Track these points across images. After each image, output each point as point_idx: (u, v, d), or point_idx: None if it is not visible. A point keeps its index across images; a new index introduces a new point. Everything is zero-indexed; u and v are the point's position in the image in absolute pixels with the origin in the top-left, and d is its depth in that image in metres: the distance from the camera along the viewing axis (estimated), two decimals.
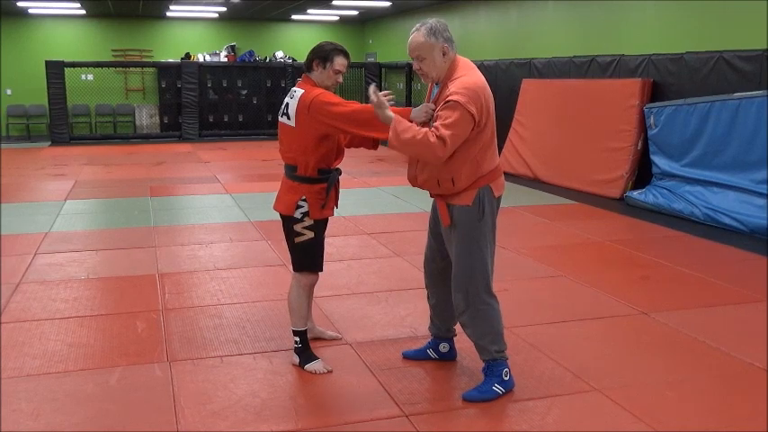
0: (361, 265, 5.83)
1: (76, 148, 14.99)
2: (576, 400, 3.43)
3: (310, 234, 3.67)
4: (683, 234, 6.99)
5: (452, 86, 3.22)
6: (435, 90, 3.42)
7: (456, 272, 3.41)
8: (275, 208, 3.74)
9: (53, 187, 9.82)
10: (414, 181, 3.50)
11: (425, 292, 3.80)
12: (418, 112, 3.38)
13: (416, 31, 3.29)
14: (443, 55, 3.28)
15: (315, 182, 3.62)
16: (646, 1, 9.21)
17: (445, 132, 3.14)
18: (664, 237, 6.94)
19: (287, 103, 3.61)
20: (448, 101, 3.17)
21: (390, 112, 3.29)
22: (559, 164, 9.93)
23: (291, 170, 3.64)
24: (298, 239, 3.67)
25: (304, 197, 3.62)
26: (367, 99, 3.33)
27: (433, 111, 3.31)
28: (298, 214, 3.63)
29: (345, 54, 3.65)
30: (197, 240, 6.72)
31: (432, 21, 3.30)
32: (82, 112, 17.79)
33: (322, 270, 3.81)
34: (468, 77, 3.25)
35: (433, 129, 3.17)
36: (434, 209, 3.57)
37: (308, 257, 3.72)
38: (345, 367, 3.80)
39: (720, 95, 7.61)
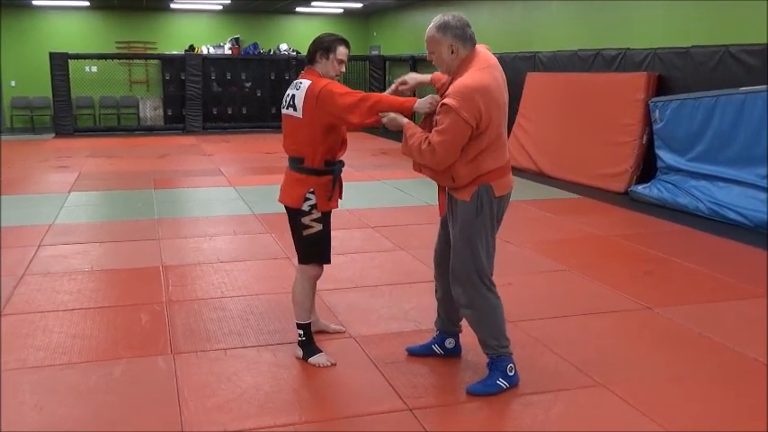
0: (365, 258, 5.83)
1: (80, 140, 15.00)
2: (579, 394, 3.42)
3: (318, 226, 3.66)
4: (687, 229, 6.97)
5: (451, 87, 3.20)
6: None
7: (453, 265, 3.42)
8: (281, 200, 3.72)
9: (57, 179, 9.82)
10: (419, 170, 3.51)
11: (433, 284, 3.79)
12: (423, 102, 3.38)
13: (432, 23, 3.29)
14: (451, 52, 3.26)
15: (322, 173, 3.61)
16: None
17: (435, 139, 3.18)
18: (668, 231, 6.92)
19: (292, 95, 3.58)
20: (443, 104, 3.17)
21: (402, 119, 3.36)
22: (564, 158, 9.90)
23: (298, 162, 3.63)
24: (306, 232, 3.66)
25: (312, 189, 3.60)
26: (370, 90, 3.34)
27: (438, 102, 3.30)
28: (305, 207, 3.62)
29: (346, 43, 3.65)
30: (201, 233, 6.72)
31: (449, 15, 3.26)
32: (86, 104, 17.79)
33: (330, 262, 3.80)
34: (470, 78, 3.18)
35: (428, 135, 3.22)
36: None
37: (316, 250, 3.71)
38: (349, 361, 3.80)
39: (726, 90, 7.57)
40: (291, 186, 3.66)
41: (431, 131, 3.24)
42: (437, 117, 3.21)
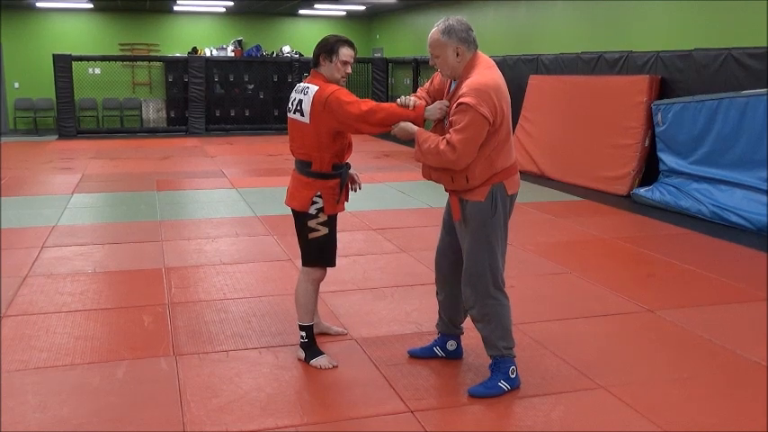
0: (367, 260, 5.84)
1: (83, 142, 15.03)
2: (580, 397, 3.43)
3: (325, 230, 3.67)
4: (689, 231, 6.97)
5: (464, 87, 3.22)
6: (453, 86, 3.41)
7: (466, 266, 3.42)
8: (288, 204, 3.73)
9: (60, 181, 9.85)
10: (428, 176, 3.51)
11: (435, 287, 3.80)
12: (432, 109, 3.41)
13: (435, 27, 3.32)
14: (456, 55, 3.29)
15: (329, 177, 3.62)
16: None
17: (455, 138, 3.18)
18: (670, 234, 6.92)
19: (300, 100, 3.58)
20: (459, 104, 3.19)
21: (412, 127, 3.36)
22: (566, 160, 9.91)
23: (305, 166, 3.63)
24: (312, 235, 3.67)
25: (319, 193, 3.61)
26: (375, 96, 3.35)
27: (447, 107, 3.32)
28: (312, 210, 3.63)
29: (350, 44, 3.64)
30: (203, 235, 6.73)
31: (452, 19, 3.31)
32: (89, 106, 17.81)
33: (335, 266, 3.81)
34: (481, 77, 3.23)
35: (445, 135, 3.22)
36: (449, 202, 3.57)
37: (321, 253, 3.72)
38: (351, 362, 3.80)
39: (729, 93, 7.58)
40: (299, 190, 3.66)
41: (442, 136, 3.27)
42: (453, 118, 3.23)
